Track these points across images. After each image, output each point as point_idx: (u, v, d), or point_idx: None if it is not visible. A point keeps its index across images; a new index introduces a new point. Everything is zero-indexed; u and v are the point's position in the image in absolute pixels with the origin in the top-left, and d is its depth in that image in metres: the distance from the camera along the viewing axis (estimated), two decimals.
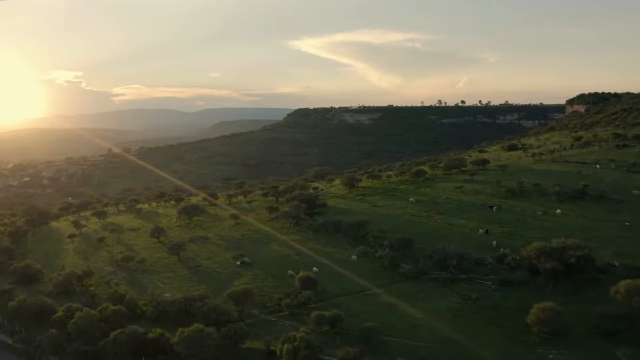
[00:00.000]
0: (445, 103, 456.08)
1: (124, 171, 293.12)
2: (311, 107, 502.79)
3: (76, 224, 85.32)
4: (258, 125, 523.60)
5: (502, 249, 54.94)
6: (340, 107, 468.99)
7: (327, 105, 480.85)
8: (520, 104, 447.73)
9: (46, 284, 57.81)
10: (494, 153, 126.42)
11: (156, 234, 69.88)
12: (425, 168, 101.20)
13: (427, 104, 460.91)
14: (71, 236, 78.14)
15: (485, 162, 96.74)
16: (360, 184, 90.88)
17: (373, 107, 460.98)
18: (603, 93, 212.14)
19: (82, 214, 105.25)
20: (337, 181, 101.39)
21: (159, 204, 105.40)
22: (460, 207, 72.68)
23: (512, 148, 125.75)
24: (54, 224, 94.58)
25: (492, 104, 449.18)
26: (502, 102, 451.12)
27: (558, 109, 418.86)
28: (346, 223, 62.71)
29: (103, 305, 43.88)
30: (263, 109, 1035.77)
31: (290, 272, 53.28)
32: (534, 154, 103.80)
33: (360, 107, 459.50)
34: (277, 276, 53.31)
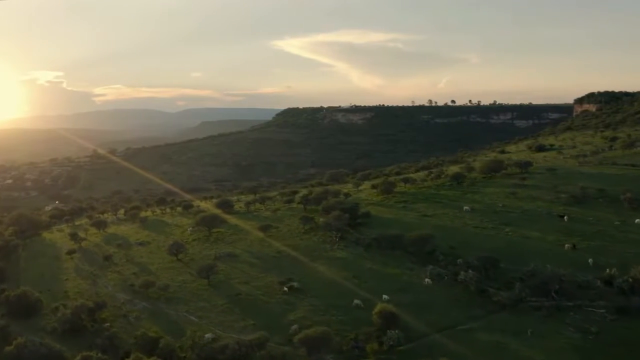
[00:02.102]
0: (436, 103, 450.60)
1: (110, 173, 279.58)
2: (293, 106, 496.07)
3: (74, 236, 73.87)
4: (242, 125, 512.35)
5: (607, 270, 45.86)
6: (330, 107, 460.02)
7: (309, 105, 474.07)
8: (511, 103, 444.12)
9: (48, 318, 46.73)
10: (522, 154, 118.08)
11: (175, 251, 59.10)
12: (456, 170, 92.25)
13: (408, 103, 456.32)
14: (70, 252, 66.77)
15: (528, 164, 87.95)
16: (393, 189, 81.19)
17: (365, 106, 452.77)
18: (613, 92, 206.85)
19: (77, 222, 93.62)
20: (366, 185, 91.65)
21: (163, 211, 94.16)
22: (525, 216, 63.54)
23: (540, 149, 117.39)
24: (46, 235, 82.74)
25: (482, 104, 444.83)
26: (483, 102, 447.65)
27: (551, 108, 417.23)
28: (408, 238, 52.88)
29: (134, 357, 33.24)
30: (246, 109, 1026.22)
31: (356, 301, 43.39)
32: (577, 156, 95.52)
33: (352, 106, 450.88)
34: (340, 307, 43.28)
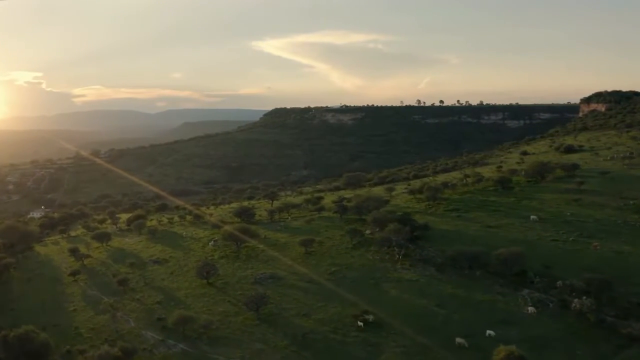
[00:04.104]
0: (424, 103, 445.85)
1: (95, 175, 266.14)
2: (273, 107, 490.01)
3: (74, 252, 63.75)
4: (224, 126, 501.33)
5: None
6: (318, 107, 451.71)
7: (290, 106, 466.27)
8: (499, 104, 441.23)
9: None
10: (549, 155, 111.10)
11: (205, 274, 49.57)
12: (493, 172, 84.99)
13: (392, 104, 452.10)
14: (74, 273, 56.56)
15: (575, 167, 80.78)
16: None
17: (355, 106, 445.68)
18: (621, 91, 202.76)
19: (73, 233, 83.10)
20: (399, 189, 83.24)
21: (171, 220, 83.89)
22: (602, 226, 55.78)
23: (570, 150, 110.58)
24: (40, 249, 72.11)
25: (470, 104, 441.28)
26: (468, 102, 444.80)
27: (543, 109, 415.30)
28: (496, 256, 44.37)
29: None
30: (226, 109, 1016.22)
31: (458, 340, 34.78)
32: (621, 158, 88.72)
33: (342, 106, 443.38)
34: (439, 348, 34.55)
